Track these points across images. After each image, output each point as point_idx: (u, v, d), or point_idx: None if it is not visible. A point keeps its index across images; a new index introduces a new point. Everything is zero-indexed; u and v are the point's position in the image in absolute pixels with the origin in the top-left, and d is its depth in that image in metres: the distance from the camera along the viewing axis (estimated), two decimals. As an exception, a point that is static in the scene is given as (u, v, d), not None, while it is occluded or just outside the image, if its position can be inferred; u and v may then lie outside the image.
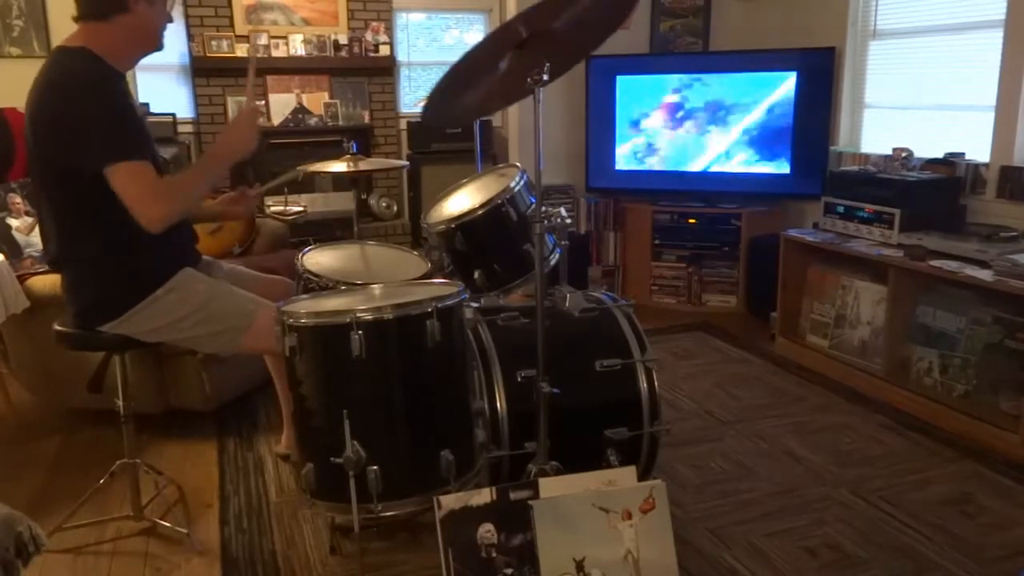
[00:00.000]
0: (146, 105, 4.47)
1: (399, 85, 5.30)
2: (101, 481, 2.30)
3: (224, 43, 4.75)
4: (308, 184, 4.95)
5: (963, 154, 3.46)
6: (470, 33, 5.49)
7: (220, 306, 2.17)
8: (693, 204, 4.51)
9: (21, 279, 2.82)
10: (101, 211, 2.00)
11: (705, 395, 3.29)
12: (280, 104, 4.98)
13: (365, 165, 2.79)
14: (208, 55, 4.72)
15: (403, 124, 5.28)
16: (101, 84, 1.99)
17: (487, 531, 1.78)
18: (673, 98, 4.44)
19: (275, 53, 4.87)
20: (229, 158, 2.18)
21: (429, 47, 5.41)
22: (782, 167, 4.29)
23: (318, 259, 2.50)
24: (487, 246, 2.34)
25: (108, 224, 2.02)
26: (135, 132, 2.02)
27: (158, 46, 2.17)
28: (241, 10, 4.81)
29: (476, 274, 2.35)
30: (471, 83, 2.06)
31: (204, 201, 2.40)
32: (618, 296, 2.67)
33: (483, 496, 1.80)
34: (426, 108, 2.12)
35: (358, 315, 1.80)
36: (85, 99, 1.95)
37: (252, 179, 4.66)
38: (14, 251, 3.06)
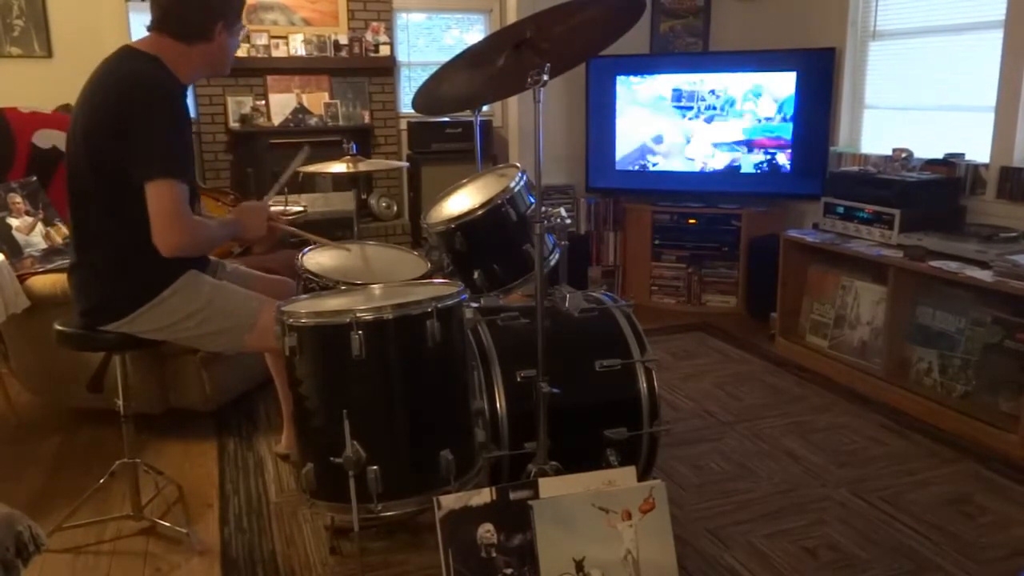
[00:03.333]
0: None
1: (399, 85, 5.31)
2: (101, 481, 2.30)
3: (224, 43, 4.75)
4: (308, 184, 4.95)
5: (963, 154, 3.46)
6: (470, 33, 5.49)
7: (224, 305, 2.18)
8: (693, 204, 4.51)
9: (21, 279, 2.82)
10: (130, 213, 2.02)
11: (705, 395, 3.29)
12: (280, 104, 4.98)
13: (365, 166, 2.79)
14: (208, 55, 4.71)
15: (403, 124, 5.29)
16: (171, 95, 2.03)
17: (487, 531, 1.78)
18: (673, 98, 4.44)
19: (275, 53, 4.87)
20: (240, 238, 2.31)
21: (429, 47, 5.42)
22: (782, 167, 4.29)
23: (318, 259, 2.50)
24: (487, 246, 2.34)
25: (131, 227, 2.04)
26: (187, 153, 2.07)
27: (226, 72, 2.25)
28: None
29: (476, 274, 2.35)
30: (464, 74, 2.09)
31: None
32: (618, 296, 2.68)
33: (483, 496, 1.80)
34: (416, 95, 2.18)
35: (358, 315, 1.80)
36: (155, 108, 1.98)
37: (253, 185, 4.67)
38: (14, 251, 3.06)
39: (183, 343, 2.25)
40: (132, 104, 1.97)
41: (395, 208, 5.24)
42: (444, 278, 2.31)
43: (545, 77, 1.87)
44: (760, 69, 4.25)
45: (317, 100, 5.06)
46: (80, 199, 2.09)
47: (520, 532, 1.79)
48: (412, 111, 2.77)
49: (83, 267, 2.14)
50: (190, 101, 4.82)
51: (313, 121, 5.03)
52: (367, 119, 5.17)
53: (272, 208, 2.71)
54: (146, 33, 2.11)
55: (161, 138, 1.98)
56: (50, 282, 2.79)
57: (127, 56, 2.06)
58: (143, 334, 2.14)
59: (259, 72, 4.91)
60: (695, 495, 2.48)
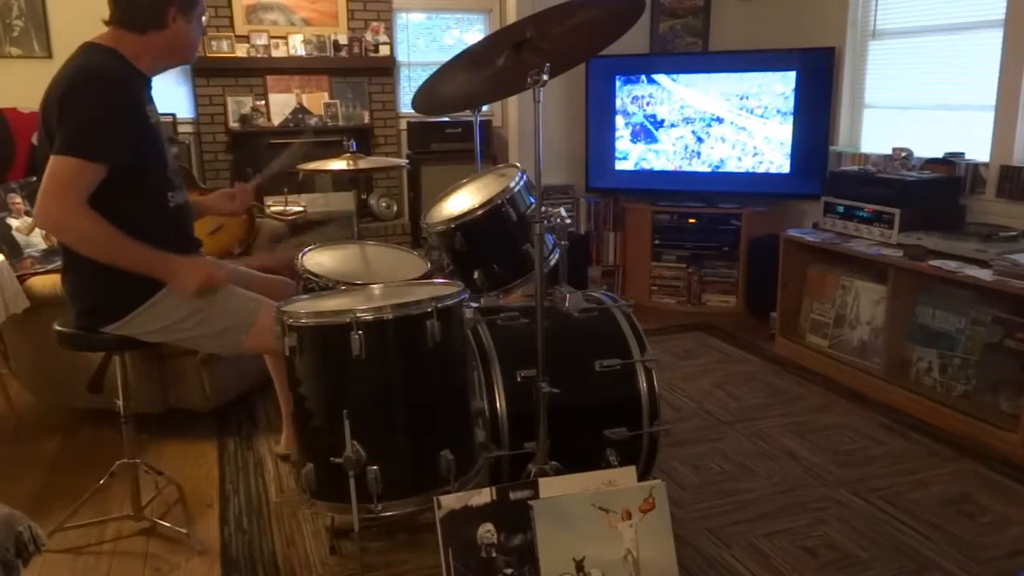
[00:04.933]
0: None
1: (399, 85, 5.30)
2: (101, 481, 2.30)
3: (224, 43, 4.75)
4: (308, 184, 4.95)
5: (963, 154, 3.46)
6: (470, 33, 5.49)
7: (221, 306, 2.17)
8: (693, 204, 4.51)
9: (21, 279, 2.82)
10: (111, 212, 2.00)
11: (705, 395, 3.29)
12: (280, 104, 4.97)
13: (364, 163, 2.79)
14: (208, 55, 4.72)
15: (403, 124, 5.28)
16: (114, 83, 1.99)
17: (487, 531, 1.78)
18: (673, 98, 4.44)
19: (275, 53, 4.87)
20: (163, 276, 2.09)
21: (429, 47, 5.41)
22: (782, 167, 4.29)
23: (318, 259, 2.50)
24: (487, 246, 2.34)
25: (118, 226, 2.02)
26: (115, 139, 1.97)
27: (190, 60, 2.20)
28: (241, 10, 4.81)
29: (476, 274, 2.35)
30: (464, 74, 2.09)
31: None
32: (618, 296, 2.67)
33: (483, 496, 1.80)
34: (416, 95, 2.18)
35: (358, 315, 1.80)
36: (90, 90, 1.95)
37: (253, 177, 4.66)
38: (14, 251, 3.06)
39: (181, 344, 2.24)
40: (71, 89, 1.94)
41: (395, 208, 5.23)
42: (444, 278, 2.31)
43: (545, 77, 1.87)
44: (760, 69, 4.25)
45: (317, 100, 5.05)
46: None
47: (520, 532, 1.79)
48: (412, 111, 2.77)
49: (74, 270, 2.12)
50: (189, 101, 4.85)
51: (313, 121, 5.02)
52: (367, 119, 5.17)
53: (272, 209, 2.70)
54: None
55: (86, 118, 1.92)
56: (50, 282, 2.79)
57: (84, 52, 2.04)
58: (141, 336, 2.13)
59: (259, 72, 4.90)
60: (695, 495, 2.48)
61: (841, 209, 3.57)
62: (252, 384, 3.20)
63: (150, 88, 2.14)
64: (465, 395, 1.99)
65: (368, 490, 1.82)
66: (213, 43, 4.73)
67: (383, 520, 2.24)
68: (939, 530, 2.26)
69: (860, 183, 3.51)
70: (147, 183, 2.08)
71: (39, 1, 4.24)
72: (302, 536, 2.30)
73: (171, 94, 4.79)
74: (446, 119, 5.05)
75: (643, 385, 2.25)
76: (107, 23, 2.07)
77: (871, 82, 4.07)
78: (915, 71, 3.82)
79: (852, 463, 2.68)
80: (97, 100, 1.95)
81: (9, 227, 3.15)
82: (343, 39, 5.00)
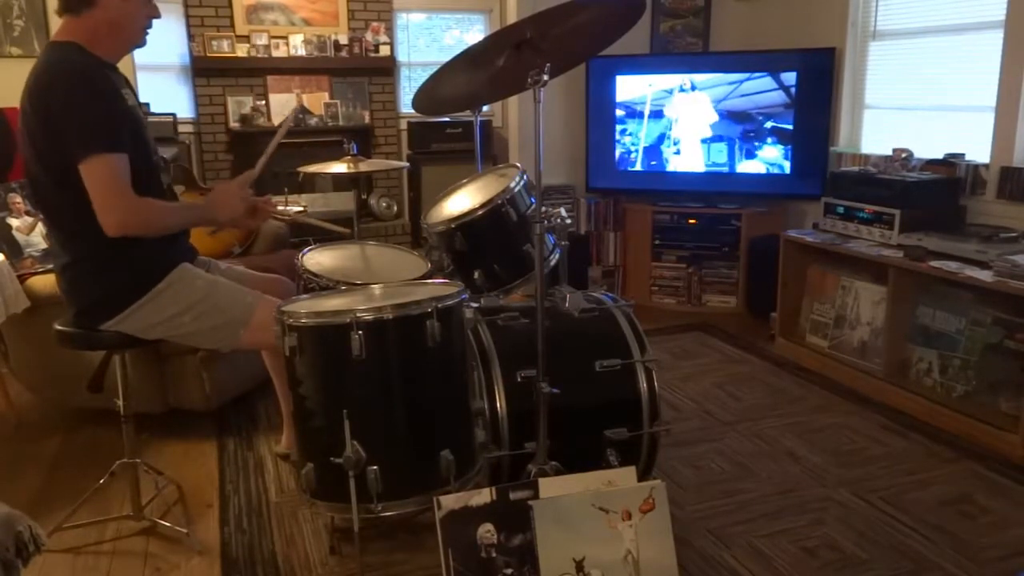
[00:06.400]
0: (146, 105, 4.47)
1: (399, 85, 5.31)
2: (101, 481, 2.30)
3: (224, 43, 4.76)
4: (308, 184, 4.95)
5: (963, 155, 3.46)
6: (470, 33, 5.50)
7: (219, 300, 2.18)
8: (693, 204, 4.51)
9: (21, 279, 2.82)
10: None
11: (705, 395, 3.29)
12: (280, 104, 4.98)
13: (365, 166, 2.79)
14: (208, 55, 4.72)
15: (403, 124, 5.29)
16: (84, 74, 1.97)
17: (487, 531, 1.79)
18: (673, 99, 4.44)
19: (275, 53, 4.87)
20: (213, 220, 2.21)
21: (429, 47, 5.42)
22: (782, 167, 4.29)
23: (318, 259, 2.50)
24: (487, 246, 2.34)
25: None
26: (115, 124, 1.98)
27: (139, 41, 2.13)
28: (241, 10, 4.82)
29: (476, 274, 2.35)
30: (464, 74, 2.09)
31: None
32: (618, 296, 2.68)
33: (483, 496, 1.80)
34: (416, 95, 2.18)
35: (358, 315, 1.80)
36: (67, 89, 1.93)
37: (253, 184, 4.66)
38: (14, 251, 3.06)
39: (179, 340, 2.24)
40: (50, 93, 1.93)
41: (395, 208, 5.24)
42: (444, 278, 2.31)
43: (545, 77, 1.87)
44: (760, 69, 4.25)
45: (317, 100, 5.06)
46: (51, 203, 2.07)
47: (520, 532, 1.79)
48: (412, 111, 2.77)
49: (72, 267, 2.12)
50: (190, 101, 4.85)
51: (313, 121, 5.03)
52: (367, 119, 5.17)
53: (274, 208, 2.68)
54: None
55: (82, 116, 1.92)
56: (50, 282, 2.78)
57: (48, 50, 2.03)
58: (139, 332, 2.14)
59: (259, 72, 4.91)
60: (695, 495, 2.48)
61: (841, 210, 3.57)
62: (252, 384, 3.20)
63: (118, 73, 2.12)
64: (465, 395, 1.99)
65: (368, 490, 1.82)
66: (213, 43, 4.73)
67: (383, 520, 2.24)
68: (939, 530, 2.26)
69: (860, 184, 3.51)
70: (136, 167, 2.04)
71: (39, 1, 4.25)
72: (302, 536, 2.30)
73: (171, 94, 4.80)
74: (446, 119, 5.05)
75: (643, 385, 2.25)
76: (59, 15, 2.06)
77: (871, 83, 4.07)
78: (915, 72, 3.82)
79: (852, 463, 2.68)
80: (80, 94, 1.93)
81: (9, 227, 3.15)
82: (343, 39, 5.01)
